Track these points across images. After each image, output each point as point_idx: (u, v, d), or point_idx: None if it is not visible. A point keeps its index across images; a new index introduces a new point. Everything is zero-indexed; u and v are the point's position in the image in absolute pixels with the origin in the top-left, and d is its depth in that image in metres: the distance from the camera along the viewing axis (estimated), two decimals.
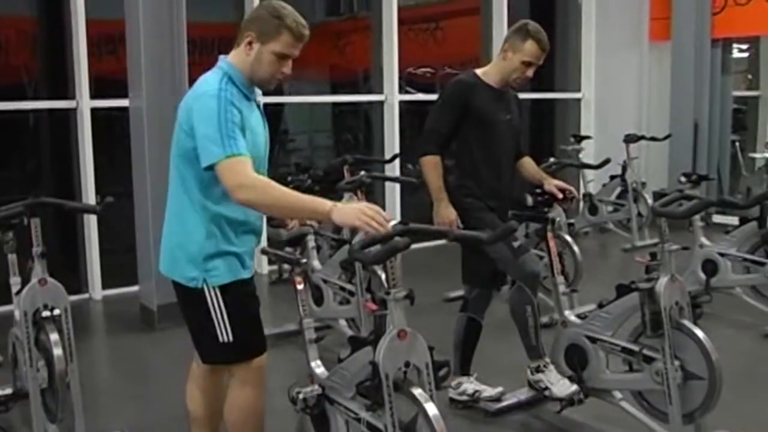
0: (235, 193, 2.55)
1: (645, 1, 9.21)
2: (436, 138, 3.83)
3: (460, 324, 4.03)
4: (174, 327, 5.27)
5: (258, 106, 2.89)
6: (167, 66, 5.31)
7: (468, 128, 3.83)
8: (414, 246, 2.71)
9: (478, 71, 3.96)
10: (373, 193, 7.22)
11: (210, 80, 2.74)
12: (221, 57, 2.85)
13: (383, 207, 7.44)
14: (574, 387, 3.74)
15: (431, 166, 3.81)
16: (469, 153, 3.85)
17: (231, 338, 2.74)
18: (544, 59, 3.87)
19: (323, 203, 2.54)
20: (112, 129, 6.81)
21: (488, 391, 4.00)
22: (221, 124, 2.60)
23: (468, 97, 3.82)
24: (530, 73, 3.84)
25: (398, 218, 4.91)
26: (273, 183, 2.59)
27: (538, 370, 3.93)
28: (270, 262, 6.93)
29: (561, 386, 3.81)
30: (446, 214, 3.79)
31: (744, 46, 10.50)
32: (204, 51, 8.18)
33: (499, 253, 3.82)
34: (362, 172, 5.42)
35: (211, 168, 2.58)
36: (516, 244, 3.83)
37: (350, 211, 2.54)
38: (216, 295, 2.74)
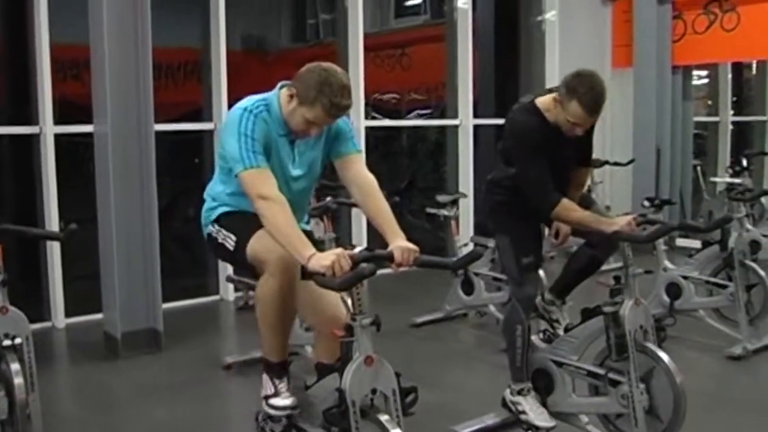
0: (254, 201, 2.90)
1: (607, 29, 9.32)
2: (545, 185, 3.61)
3: (583, 255, 4.00)
4: (139, 355, 5.22)
5: (293, 144, 3.13)
6: (133, 91, 5.28)
7: None
8: (380, 272, 2.71)
9: (540, 103, 3.72)
10: (339, 219, 7.20)
11: (253, 98, 3.08)
12: (281, 83, 3.12)
13: (349, 233, 7.49)
14: (553, 423, 3.71)
15: (567, 209, 3.63)
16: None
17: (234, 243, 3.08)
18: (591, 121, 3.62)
19: (306, 249, 2.75)
20: (76, 154, 6.75)
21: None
22: (240, 135, 2.94)
23: (541, 140, 3.62)
24: (579, 131, 3.62)
25: (364, 244, 4.91)
26: (286, 208, 2.87)
27: (519, 392, 3.84)
28: (236, 289, 6.89)
29: (539, 415, 3.75)
30: (622, 222, 3.59)
31: (703, 73, 10.68)
32: (170, 76, 8.16)
33: (506, 265, 3.85)
34: (328, 198, 5.41)
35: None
36: (526, 261, 3.79)
37: (324, 257, 2.69)
38: (215, 226, 3.19)
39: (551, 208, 3.63)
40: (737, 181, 7.49)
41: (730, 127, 10.47)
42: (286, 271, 2.89)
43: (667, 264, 5.47)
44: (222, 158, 3.14)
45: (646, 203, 6.01)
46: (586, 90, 3.49)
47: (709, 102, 10.82)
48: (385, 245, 2.93)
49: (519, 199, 3.78)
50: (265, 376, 3.15)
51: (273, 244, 2.88)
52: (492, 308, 5.72)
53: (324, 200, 5.44)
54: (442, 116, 8.88)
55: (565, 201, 3.64)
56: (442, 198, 6.03)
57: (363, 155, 3.33)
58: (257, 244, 2.98)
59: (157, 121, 5.42)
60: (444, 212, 5.98)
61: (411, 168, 10.37)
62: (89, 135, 5.55)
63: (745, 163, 7.97)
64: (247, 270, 3.16)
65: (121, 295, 5.29)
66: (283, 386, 3.11)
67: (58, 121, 5.98)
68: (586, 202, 4.03)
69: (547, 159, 3.63)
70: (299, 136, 3.12)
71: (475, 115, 8.16)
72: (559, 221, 3.83)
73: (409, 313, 5.93)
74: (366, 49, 7.52)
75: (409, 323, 5.85)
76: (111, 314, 5.40)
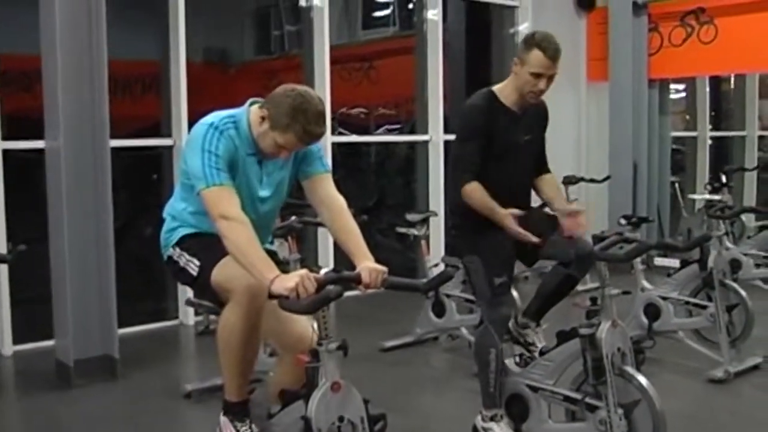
0: (215, 221, 2.89)
1: (582, 42, 9.42)
2: (469, 165, 3.80)
3: (557, 275, 4.04)
4: (93, 384, 5.14)
5: (261, 164, 3.14)
6: (87, 105, 5.23)
7: (487, 152, 3.82)
8: (347, 294, 2.70)
9: (495, 89, 3.94)
10: (305, 239, 7.18)
11: (220, 114, 3.08)
12: (251, 100, 3.12)
13: (315, 254, 7.47)
14: None
15: (476, 191, 3.77)
16: (485, 177, 3.82)
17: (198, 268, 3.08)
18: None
19: (270, 271, 2.74)
20: (26, 171, 6.67)
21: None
22: (204, 151, 2.95)
23: (484, 122, 3.81)
24: (542, 84, 3.81)
25: (331, 265, 4.89)
26: (249, 229, 2.86)
27: (492, 419, 3.85)
28: (197, 313, 6.83)
29: None
30: (509, 222, 3.72)
31: (681, 87, 10.82)
32: (127, 89, 8.11)
33: (477, 286, 3.86)
34: (293, 217, 5.40)
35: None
36: (498, 281, 3.81)
37: (287, 281, 2.68)
38: (177, 249, 3.19)
39: (464, 184, 3.78)
40: (716, 197, 7.56)
41: (709, 142, 10.63)
42: (253, 300, 2.88)
43: (645, 284, 5.51)
44: (184, 174, 3.13)
45: (623, 221, 6.06)
46: (542, 37, 3.79)
47: (687, 116, 10.96)
48: (353, 267, 2.93)
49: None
50: (224, 419, 3.11)
51: (240, 272, 2.87)
52: (464, 331, 5.72)
53: (289, 219, 5.42)
54: (412, 132, 8.91)
55: (475, 183, 3.76)
56: (412, 217, 6.03)
57: (331, 175, 3.35)
58: (223, 271, 2.97)
59: (112, 137, 5.37)
60: (414, 231, 5.98)
61: (380, 185, 10.39)
62: (40, 151, 5.50)
63: (724, 179, 8.06)
64: (210, 296, 3.14)
65: (74, 320, 5.21)
66: (244, 429, 3.08)
67: (6, 136, 5.92)
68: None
69: (493, 144, 3.79)
70: (268, 157, 3.12)
71: (446, 131, 8.19)
72: (468, 202, 3.85)
73: (378, 336, 5.91)
74: (333, 61, 7.54)
75: (378, 347, 5.83)
76: (63, 340, 5.33)
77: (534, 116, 4.03)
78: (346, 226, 3.14)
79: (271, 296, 2.70)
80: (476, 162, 3.79)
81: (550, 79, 3.83)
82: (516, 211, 3.75)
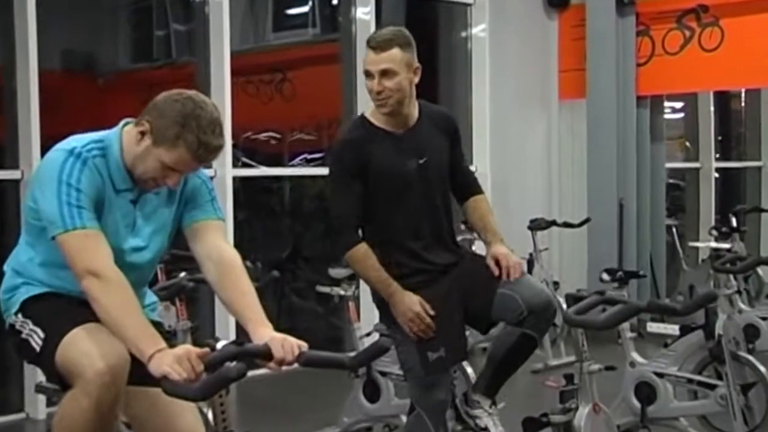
0: (80, 278, 2.86)
1: (553, 49, 9.55)
2: (346, 220, 3.94)
3: (509, 335, 4.11)
4: None
5: (135, 203, 3.12)
6: None
7: (372, 192, 3.94)
8: (252, 373, 2.70)
9: (368, 112, 4.14)
10: (197, 301, 7.12)
11: (84, 137, 3.04)
12: (125, 120, 3.11)
13: (211, 319, 7.40)
14: None
15: (360, 257, 3.92)
16: (379, 227, 3.94)
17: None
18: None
19: (150, 344, 2.72)
20: None
21: None
22: (62, 184, 2.90)
23: (359, 157, 3.94)
24: (375, 82, 3.98)
25: (231, 336, 4.89)
26: (126, 289, 2.85)
27: None
28: (50, 402, 6.71)
29: None
30: (406, 306, 3.85)
31: (678, 105, 10.98)
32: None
33: (406, 362, 3.96)
34: (182, 273, 5.36)
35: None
36: (433, 356, 3.88)
37: (167, 358, 2.66)
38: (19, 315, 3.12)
39: (345, 249, 3.95)
40: (725, 246, 7.66)
41: (715, 175, 10.78)
42: (106, 390, 2.83)
43: (636, 357, 5.56)
44: (32, 213, 3.08)
45: (606, 276, 6.10)
46: (376, 31, 4.22)
47: (687, 143, 11.11)
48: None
49: (409, 264, 3.88)
50: None
51: (95, 349, 2.83)
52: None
53: (176, 276, 5.39)
54: None
55: (359, 247, 3.92)
56: (336, 272, 6.03)
57: (224, 224, 3.36)
58: (71, 346, 2.92)
59: None
60: (339, 291, 5.97)
61: (295, 232, 10.37)
62: None
63: (734, 222, 8.20)
64: (57, 380, 3.07)
65: None
66: None
67: None
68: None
69: (374, 180, 3.96)
70: (147, 190, 3.10)
71: None
72: (354, 270, 4.07)
73: (295, 428, 5.88)
74: (235, 72, 7.56)
75: None
76: None
77: (427, 131, 4.13)
78: (237, 285, 3.12)
79: (155, 381, 2.67)
80: (355, 214, 3.95)
81: (385, 76, 3.98)
82: (415, 298, 3.87)
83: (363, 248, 3.88)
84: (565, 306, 7.72)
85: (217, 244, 3.22)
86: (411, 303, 3.83)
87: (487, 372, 4.23)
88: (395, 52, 3.96)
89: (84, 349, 2.86)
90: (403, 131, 4.03)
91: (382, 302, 4.05)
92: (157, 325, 3.21)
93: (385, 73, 3.94)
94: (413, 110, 4.11)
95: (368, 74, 3.99)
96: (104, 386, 2.82)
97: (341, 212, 3.94)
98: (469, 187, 4.29)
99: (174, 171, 3.00)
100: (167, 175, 3.01)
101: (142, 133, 2.99)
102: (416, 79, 4.09)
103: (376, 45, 3.98)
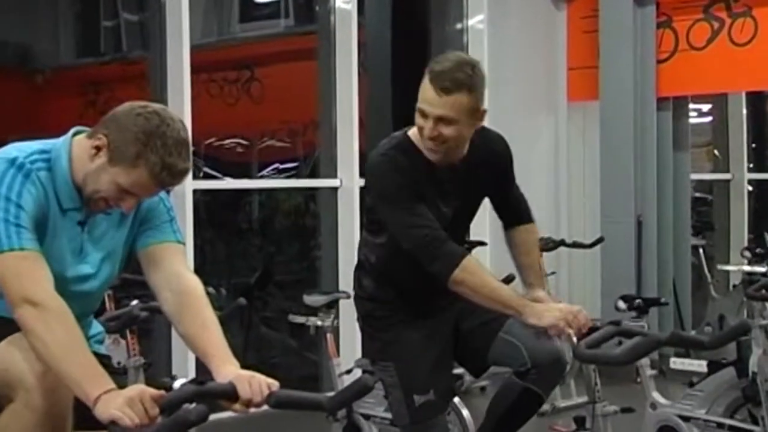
0: (15, 307, 2.83)
1: (561, 44, 9.57)
2: (436, 234, 3.82)
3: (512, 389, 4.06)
4: None
5: (83, 225, 3.10)
6: None
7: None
8: (216, 416, 2.70)
9: (411, 133, 4.00)
10: (151, 333, 7.12)
11: (27, 146, 3.01)
12: (76, 128, 3.09)
13: (168, 355, 7.39)
14: None
15: (475, 268, 3.83)
16: (388, 254, 3.96)
17: None
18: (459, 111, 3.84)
19: (96, 384, 2.70)
20: None
21: None
22: (0, 199, 2.87)
23: (409, 184, 3.87)
24: (428, 128, 3.81)
25: (191, 374, 4.90)
26: (68, 321, 2.81)
27: None
28: None
29: None
30: (553, 315, 3.79)
31: (705, 108, 11.00)
32: None
33: (393, 407, 4.00)
34: (134, 301, 5.36)
35: None
36: (421, 400, 3.88)
37: (117, 400, 2.64)
38: None
39: (452, 266, 3.77)
40: (759, 269, 7.67)
41: (748, 188, 10.80)
42: (54, 398, 2.82)
43: (658, 398, 5.57)
44: None
45: (623, 305, 6.11)
46: (438, 61, 3.88)
47: (716, 151, 11.13)
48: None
49: (404, 292, 3.89)
50: None
51: (30, 355, 2.83)
52: None
53: (127, 305, 5.38)
54: (313, 174, 8.95)
55: (471, 260, 3.82)
56: (313, 299, 6.04)
57: (184, 249, 3.35)
58: (6, 355, 2.92)
59: None
60: (316, 321, 5.99)
61: (265, 253, 10.38)
62: None
63: None
64: None
65: None
66: None
67: None
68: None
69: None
70: (97, 211, 3.10)
71: (363, 173, 8.18)
72: (460, 293, 3.88)
73: None
74: (196, 69, 7.55)
75: None
76: None
77: (473, 171, 4.07)
78: (199, 318, 3.11)
79: (102, 426, 2.67)
80: (438, 226, 3.85)
81: (443, 122, 3.82)
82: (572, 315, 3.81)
83: (473, 259, 3.83)
84: (574, 338, 7.73)
85: (176, 270, 3.20)
86: (557, 311, 3.80)
87: (488, 426, 4.24)
88: (463, 97, 3.78)
89: (21, 355, 2.86)
90: (447, 168, 3.96)
91: (374, 336, 4.04)
92: (104, 359, 3.22)
93: (443, 119, 3.80)
94: (464, 148, 4.02)
95: (423, 113, 3.82)
96: (51, 392, 2.82)
97: (424, 229, 3.81)
98: (519, 214, 4.30)
99: (130, 194, 2.99)
100: (122, 198, 3.00)
101: (97, 148, 2.97)
102: (480, 124, 4.00)
103: (443, 87, 3.76)
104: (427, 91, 3.79)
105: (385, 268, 4.01)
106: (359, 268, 4.16)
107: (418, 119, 3.83)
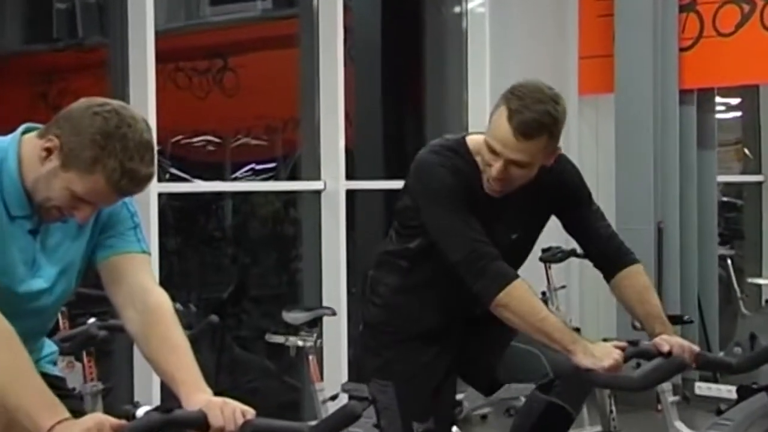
0: None
1: (572, 30, 9.59)
2: (486, 250, 3.80)
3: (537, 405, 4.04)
4: None
5: (36, 234, 3.07)
6: None
7: (428, 246, 3.88)
8: None
9: (472, 141, 3.96)
10: (111, 355, 7.10)
11: None
12: (26, 125, 3.07)
13: (129, 379, 7.36)
14: None
15: (524, 294, 3.81)
16: (428, 284, 3.93)
17: None
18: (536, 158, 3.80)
19: (47, 415, 2.68)
20: None
21: None
22: None
23: (466, 196, 3.83)
24: (495, 169, 3.76)
25: (155, 401, 4.89)
26: (14, 344, 2.79)
27: None
28: None
29: None
30: (603, 352, 3.74)
31: (733, 101, 11.01)
32: None
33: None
34: (91, 319, 5.34)
35: None
36: (420, 427, 3.90)
37: (76, 426, 2.64)
38: None
39: (498, 288, 3.74)
40: None
41: None
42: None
43: (681, 427, 5.58)
44: None
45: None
46: (519, 96, 3.72)
47: (745, 150, 11.15)
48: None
49: (417, 307, 3.87)
50: None
51: None
52: None
53: (83, 323, 5.37)
54: (294, 176, 8.95)
55: (522, 284, 3.78)
56: (293, 316, 6.04)
57: (150, 259, 3.32)
58: None
59: None
60: (297, 341, 5.98)
61: (240, 265, 10.37)
62: None
63: None
64: None
65: None
66: None
67: None
68: None
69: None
70: (51, 221, 3.08)
71: (350, 175, 8.27)
72: (503, 318, 3.84)
73: None
74: (161, 58, 7.55)
75: None
76: None
77: (532, 198, 4.00)
78: (167, 339, 3.08)
79: None
80: (490, 242, 3.82)
81: (515, 165, 3.78)
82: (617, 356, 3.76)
83: (524, 283, 3.80)
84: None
85: (141, 284, 3.17)
86: (607, 350, 3.75)
87: None
88: (542, 141, 3.75)
89: None
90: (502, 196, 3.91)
91: (372, 353, 4.03)
92: (57, 380, 3.20)
93: (517, 163, 3.75)
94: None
95: (493, 151, 3.75)
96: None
97: (476, 243, 3.77)
98: (618, 257, 4.19)
99: (86, 203, 2.96)
100: (76, 206, 2.96)
101: (48, 150, 2.93)
102: (549, 162, 3.94)
103: (524, 132, 3.68)
104: (503, 130, 3.71)
105: (413, 277, 3.98)
106: (379, 268, 4.12)
107: (486, 153, 3.77)
